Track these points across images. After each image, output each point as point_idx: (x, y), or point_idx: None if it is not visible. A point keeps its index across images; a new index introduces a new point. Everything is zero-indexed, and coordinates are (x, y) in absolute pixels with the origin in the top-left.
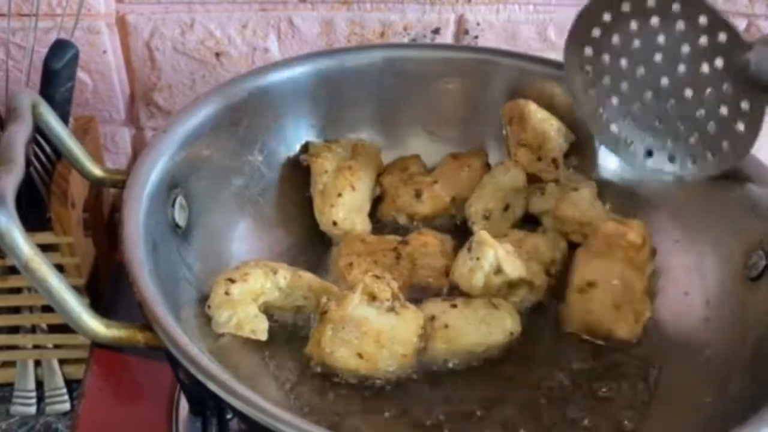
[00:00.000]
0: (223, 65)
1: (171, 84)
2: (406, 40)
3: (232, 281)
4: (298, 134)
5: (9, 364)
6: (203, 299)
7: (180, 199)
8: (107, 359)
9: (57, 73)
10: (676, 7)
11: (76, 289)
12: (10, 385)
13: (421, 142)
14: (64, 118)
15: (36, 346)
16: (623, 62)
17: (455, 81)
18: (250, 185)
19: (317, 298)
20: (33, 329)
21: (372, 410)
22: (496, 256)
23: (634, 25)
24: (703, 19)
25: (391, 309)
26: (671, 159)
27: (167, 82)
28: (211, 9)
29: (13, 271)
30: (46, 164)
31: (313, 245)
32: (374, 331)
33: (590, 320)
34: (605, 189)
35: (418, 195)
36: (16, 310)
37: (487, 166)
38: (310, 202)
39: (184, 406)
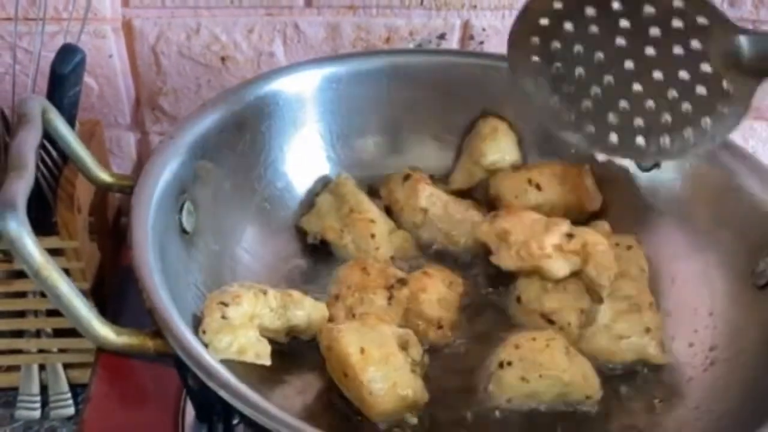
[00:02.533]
0: (229, 70)
1: (176, 88)
2: (411, 45)
3: (226, 304)
4: (304, 140)
5: (13, 368)
6: None
7: (188, 205)
8: (113, 364)
9: (64, 78)
10: None
11: (81, 293)
12: (15, 389)
13: (429, 149)
14: (70, 122)
15: (41, 350)
16: (577, 48)
17: (461, 87)
18: (257, 190)
19: (309, 318)
20: (38, 333)
21: None
22: None
23: (590, 11)
24: (678, 3)
25: None
26: (641, 134)
27: (173, 87)
28: (217, 14)
29: (18, 275)
30: (53, 168)
31: (318, 251)
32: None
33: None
34: (613, 196)
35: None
36: (20, 314)
37: None
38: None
39: (190, 411)
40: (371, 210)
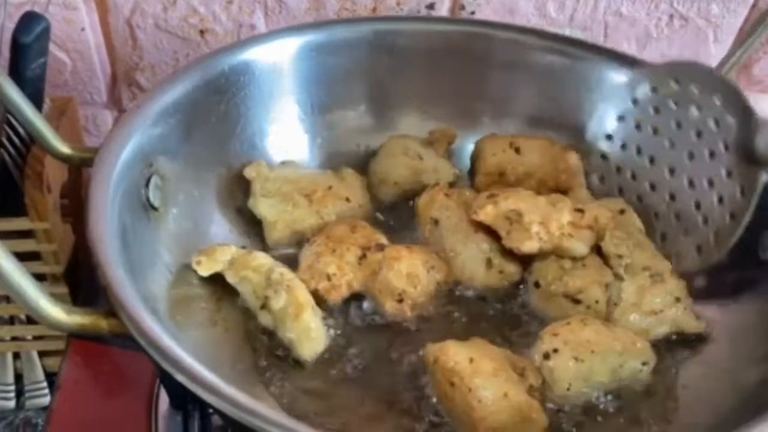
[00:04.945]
0: (208, 43)
1: (153, 63)
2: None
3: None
4: (282, 112)
5: None
6: (178, 284)
7: (155, 179)
8: (85, 350)
9: (27, 48)
10: (694, 88)
11: (54, 277)
12: None
13: (413, 120)
14: (37, 96)
15: (14, 338)
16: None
17: (448, 55)
18: (232, 166)
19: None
20: (11, 320)
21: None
22: None
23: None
24: (717, 100)
25: None
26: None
27: (150, 62)
28: None
29: None
30: (20, 147)
31: None
32: None
33: None
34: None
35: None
36: None
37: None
38: None
39: (164, 399)
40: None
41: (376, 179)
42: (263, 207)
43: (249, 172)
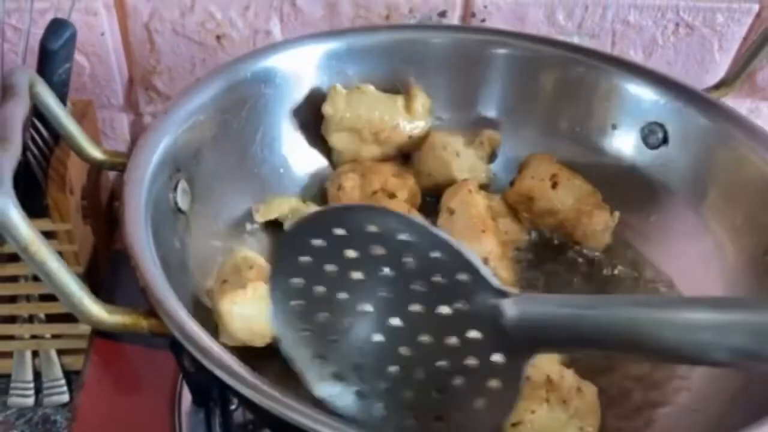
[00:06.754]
0: (224, 48)
1: (171, 67)
2: (412, 23)
3: None
4: (303, 119)
5: (6, 354)
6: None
7: (182, 183)
8: (107, 349)
9: (54, 54)
10: (402, 237)
11: None
12: (7, 376)
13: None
14: (61, 101)
15: (33, 336)
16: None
17: (463, 63)
18: (254, 172)
19: None
20: (30, 319)
21: None
22: None
23: (351, 253)
24: (435, 255)
25: None
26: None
27: (167, 66)
28: None
29: (10, 259)
30: (44, 149)
31: None
32: None
33: None
34: (620, 174)
35: None
36: (12, 299)
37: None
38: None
39: (186, 396)
40: None
41: (413, 169)
42: (335, 139)
43: (327, 110)
